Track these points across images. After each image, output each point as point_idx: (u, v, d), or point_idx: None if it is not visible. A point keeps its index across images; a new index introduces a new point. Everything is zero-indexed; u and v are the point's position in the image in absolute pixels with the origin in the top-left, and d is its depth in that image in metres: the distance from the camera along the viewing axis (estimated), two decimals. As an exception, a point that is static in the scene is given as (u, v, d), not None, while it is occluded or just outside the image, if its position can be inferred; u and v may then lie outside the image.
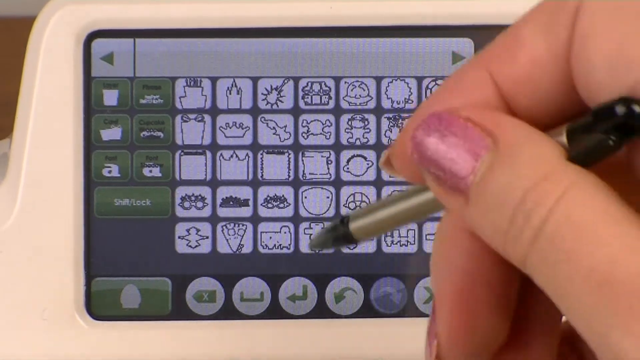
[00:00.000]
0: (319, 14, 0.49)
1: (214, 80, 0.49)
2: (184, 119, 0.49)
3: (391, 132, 0.49)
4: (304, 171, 0.49)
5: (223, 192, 0.49)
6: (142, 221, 0.49)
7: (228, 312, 0.49)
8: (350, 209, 0.49)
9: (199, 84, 0.49)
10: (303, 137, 0.49)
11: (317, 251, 0.48)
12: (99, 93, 0.49)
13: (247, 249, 0.49)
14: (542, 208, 0.25)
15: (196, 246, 0.49)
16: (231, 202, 0.49)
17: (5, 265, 0.49)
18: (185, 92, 0.49)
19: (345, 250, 0.49)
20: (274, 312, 0.49)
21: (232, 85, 0.49)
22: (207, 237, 0.49)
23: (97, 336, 0.49)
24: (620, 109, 0.24)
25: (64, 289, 0.49)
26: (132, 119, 0.49)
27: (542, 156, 0.25)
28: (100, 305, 0.49)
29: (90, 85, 0.49)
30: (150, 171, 0.49)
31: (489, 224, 0.26)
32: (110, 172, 0.49)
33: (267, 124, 0.49)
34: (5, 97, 0.54)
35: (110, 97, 0.49)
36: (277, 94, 0.49)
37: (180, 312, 0.49)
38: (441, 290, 0.29)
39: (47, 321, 0.49)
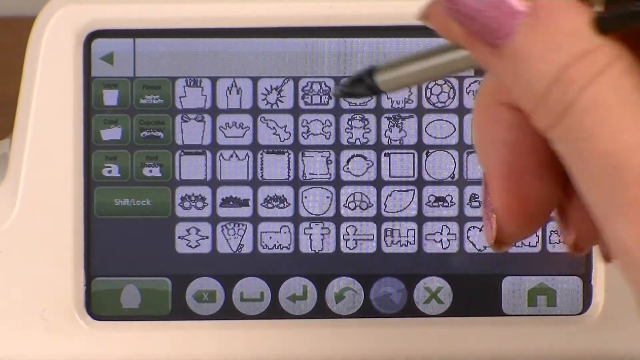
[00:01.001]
0: (319, 14, 0.49)
1: (214, 80, 0.49)
2: (184, 119, 0.49)
3: (391, 132, 0.49)
4: (304, 171, 0.49)
5: (223, 192, 0.49)
6: (142, 221, 0.49)
7: (228, 312, 0.49)
8: (350, 209, 0.49)
9: (199, 84, 0.49)
10: (303, 137, 0.49)
11: (339, 97, 0.46)
12: (99, 93, 0.49)
13: (247, 249, 0.49)
14: (576, 85, 0.25)
15: (196, 246, 0.49)
16: (231, 202, 0.49)
17: (5, 265, 0.49)
18: (185, 92, 0.49)
19: (345, 250, 0.49)
20: (274, 312, 0.49)
21: (232, 85, 0.49)
22: (207, 237, 0.49)
23: (97, 336, 0.49)
24: None
25: (64, 289, 0.49)
26: (132, 119, 0.49)
27: (582, 30, 0.26)
28: (100, 305, 0.49)
29: (90, 85, 0.49)
30: (150, 171, 0.49)
31: (522, 86, 0.26)
32: (110, 172, 0.49)
33: (267, 123, 0.49)
34: (5, 97, 0.54)
35: (110, 97, 0.49)
36: (277, 94, 0.49)
37: (180, 312, 0.49)
38: (488, 163, 0.30)
39: (47, 321, 0.49)
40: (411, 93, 0.49)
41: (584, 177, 0.26)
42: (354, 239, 0.49)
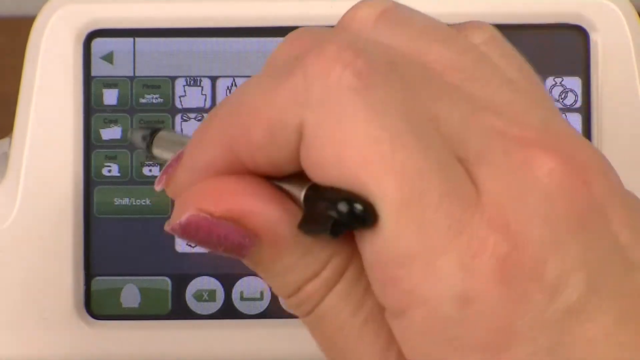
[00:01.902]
0: (319, 13, 0.49)
1: (213, 79, 0.49)
2: (184, 118, 0.49)
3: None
4: (303, 170, 0.49)
5: (223, 191, 0.49)
6: (142, 220, 0.49)
7: (228, 312, 0.49)
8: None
9: (198, 84, 0.49)
10: (303, 136, 0.49)
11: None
12: (99, 92, 0.49)
13: (247, 248, 0.49)
14: (310, 301, 0.28)
15: (196, 245, 0.49)
16: (231, 202, 0.49)
17: (4, 265, 0.48)
18: (185, 91, 0.49)
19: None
20: (274, 311, 0.49)
21: (232, 84, 0.49)
22: (207, 237, 0.49)
23: (97, 336, 0.49)
24: (341, 207, 0.26)
25: (63, 288, 0.49)
26: (132, 118, 0.49)
27: (310, 248, 0.28)
28: (100, 305, 0.49)
29: (90, 85, 0.49)
30: (150, 170, 0.49)
31: (274, 283, 0.29)
32: (110, 171, 0.49)
33: (267, 123, 0.49)
34: (5, 97, 0.54)
35: (110, 97, 0.49)
36: (277, 94, 0.49)
37: (180, 311, 0.49)
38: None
39: (46, 320, 0.48)
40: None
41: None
42: (354, 239, 0.49)
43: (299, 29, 0.30)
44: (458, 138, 0.27)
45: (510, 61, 0.30)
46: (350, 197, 0.26)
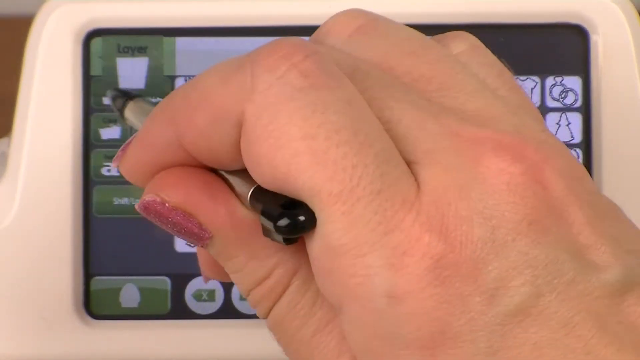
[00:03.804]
0: (319, 13, 0.49)
1: (213, 79, 0.49)
2: (183, 117, 0.49)
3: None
4: (303, 170, 0.49)
5: (222, 191, 0.49)
6: (141, 220, 0.49)
7: (227, 311, 0.49)
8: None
9: (198, 83, 0.49)
10: (302, 136, 0.49)
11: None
12: (98, 92, 0.49)
13: (247, 248, 0.49)
14: (262, 306, 0.29)
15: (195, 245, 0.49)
16: (230, 201, 0.49)
17: (3, 264, 0.48)
18: (184, 90, 0.49)
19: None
20: (274, 311, 0.49)
21: (232, 84, 0.49)
22: (207, 236, 0.49)
23: (96, 335, 0.49)
24: (283, 222, 0.27)
25: (62, 288, 0.48)
26: (131, 117, 0.49)
27: (260, 252, 0.29)
28: (99, 305, 0.49)
29: (90, 84, 0.49)
30: (150, 170, 0.49)
31: (233, 280, 0.30)
32: (109, 170, 0.49)
33: (266, 122, 0.49)
34: (4, 96, 0.54)
35: (109, 96, 0.49)
36: (277, 93, 0.49)
37: (180, 311, 0.49)
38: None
39: (45, 320, 0.48)
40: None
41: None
42: (353, 238, 0.49)
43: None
44: (410, 139, 0.26)
45: (489, 69, 0.29)
46: (288, 211, 0.26)
